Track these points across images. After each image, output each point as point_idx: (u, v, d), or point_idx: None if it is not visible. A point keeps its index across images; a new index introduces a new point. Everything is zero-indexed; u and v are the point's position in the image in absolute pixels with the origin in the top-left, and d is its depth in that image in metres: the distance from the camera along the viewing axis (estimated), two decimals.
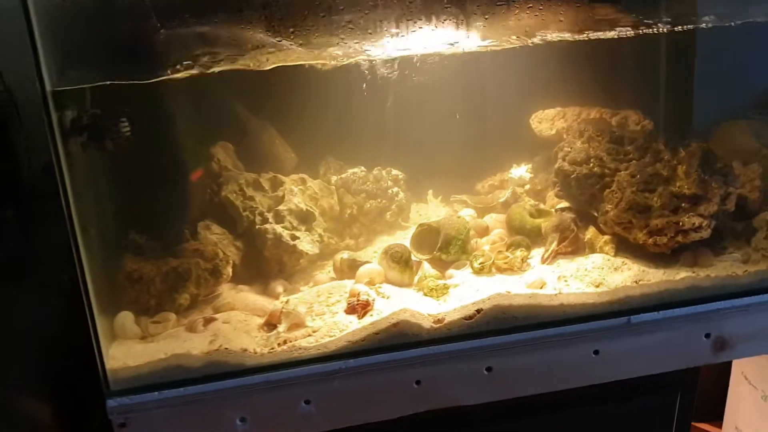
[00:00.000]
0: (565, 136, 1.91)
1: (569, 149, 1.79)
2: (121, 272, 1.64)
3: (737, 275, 1.61)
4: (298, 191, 1.82)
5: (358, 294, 1.58)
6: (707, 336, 1.57)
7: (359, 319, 1.55)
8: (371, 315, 1.55)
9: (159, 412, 1.42)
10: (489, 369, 1.50)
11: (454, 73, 2.08)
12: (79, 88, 1.31)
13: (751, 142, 2.17)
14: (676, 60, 2.16)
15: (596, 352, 1.54)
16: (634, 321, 1.54)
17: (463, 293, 1.62)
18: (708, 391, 2.35)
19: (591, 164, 1.76)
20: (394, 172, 2.05)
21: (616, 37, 1.81)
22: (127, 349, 1.55)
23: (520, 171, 2.09)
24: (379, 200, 2.01)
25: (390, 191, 2.02)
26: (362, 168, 2.03)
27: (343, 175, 1.99)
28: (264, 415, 1.46)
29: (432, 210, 2.21)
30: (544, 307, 1.54)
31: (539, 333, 1.52)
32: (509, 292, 1.56)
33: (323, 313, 1.60)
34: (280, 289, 1.78)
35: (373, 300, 1.59)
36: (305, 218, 1.85)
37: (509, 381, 1.52)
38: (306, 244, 1.77)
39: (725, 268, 1.63)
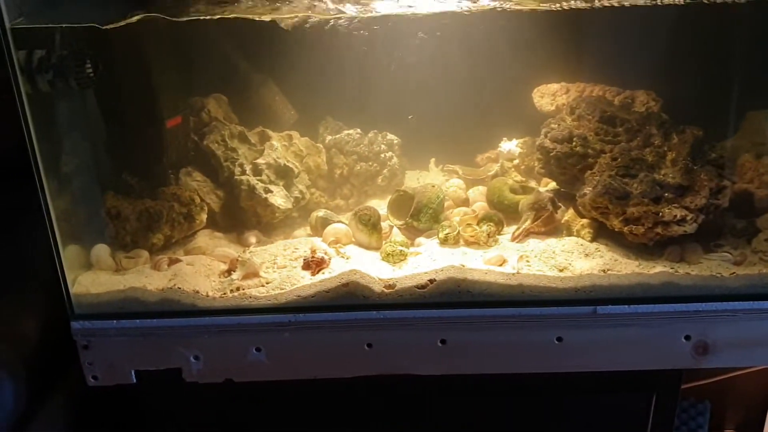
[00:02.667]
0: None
1: (555, 126, 1.72)
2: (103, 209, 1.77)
3: (722, 277, 1.50)
4: (280, 147, 1.88)
5: (315, 251, 1.61)
6: (687, 338, 1.49)
7: (312, 275, 1.58)
8: (323, 273, 1.59)
9: (119, 340, 1.52)
10: (443, 341, 1.49)
11: (465, 40, 2.04)
12: (48, 27, 1.39)
13: None
14: (721, 40, 2.01)
15: (559, 339, 1.50)
16: (601, 312, 1.48)
17: (422, 262, 1.60)
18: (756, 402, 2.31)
19: (573, 143, 1.69)
20: (390, 136, 2.03)
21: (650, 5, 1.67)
22: (95, 278, 1.59)
23: (510, 145, 1.98)
24: (370, 163, 2.01)
25: (383, 155, 2.01)
26: (358, 130, 2.02)
27: (337, 136, 1.99)
28: (216, 356, 1.53)
29: (432, 178, 2.10)
30: (500, 286, 1.51)
31: (495, 311, 1.49)
32: (463, 266, 1.53)
33: (285, 266, 1.64)
34: (253, 239, 1.77)
35: (330, 258, 1.62)
36: (284, 173, 1.87)
37: (465, 356, 1.51)
38: (278, 198, 1.83)
39: (710, 268, 1.54)
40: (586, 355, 1.51)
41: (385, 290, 1.52)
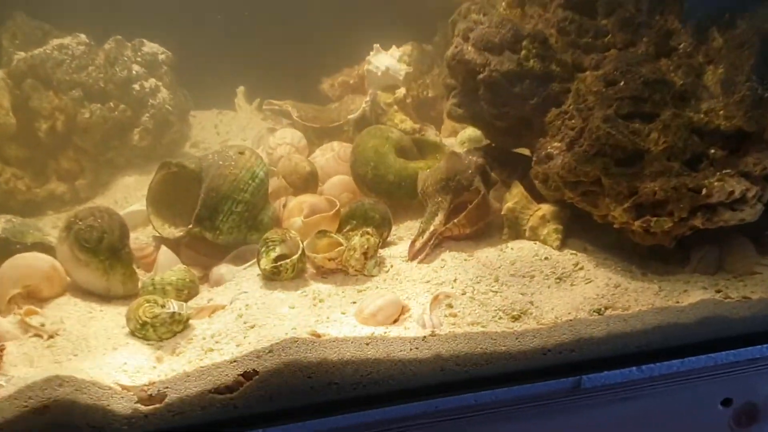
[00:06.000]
0: None
1: (479, 17, 1.34)
2: None
3: None
4: None
5: None
6: (726, 403, 1.25)
7: None
8: None
9: None
10: None
11: None
12: None
13: None
14: None
15: None
16: (590, 385, 1.19)
17: (225, 329, 1.20)
18: None
19: (523, 52, 1.30)
20: (150, 47, 1.71)
21: None
22: None
23: (386, 60, 1.56)
24: (112, 104, 1.53)
25: (138, 86, 1.57)
26: (82, 37, 1.57)
27: (36, 52, 1.53)
28: None
29: (243, 122, 1.80)
30: (398, 364, 1.14)
31: (390, 412, 1.14)
32: (316, 334, 1.15)
33: None
34: None
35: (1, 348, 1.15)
36: None
37: None
38: None
39: None
40: None
41: (143, 408, 1.07)
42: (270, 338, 1.16)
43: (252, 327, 1.19)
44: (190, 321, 1.21)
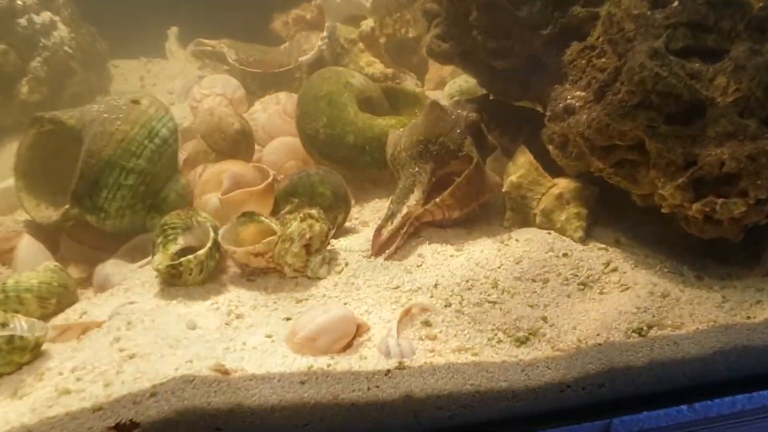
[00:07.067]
0: None
1: None
2: None
3: None
4: None
5: None
6: None
7: None
8: None
9: None
10: None
11: None
12: None
13: None
14: None
15: None
16: (623, 429, 1.02)
17: (93, 359, 0.94)
18: None
19: None
20: None
21: None
22: None
23: None
24: None
25: (25, 20, 1.41)
26: None
27: None
28: None
29: (175, 71, 1.59)
30: (349, 410, 0.94)
31: None
32: (223, 370, 0.91)
33: None
34: None
35: None
36: None
37: None
38: None
39: None
40: None
41: None
42: (153, 375, 0.91)
43: (131, 357, 0.93)
44: (47, 346, 0.95)
